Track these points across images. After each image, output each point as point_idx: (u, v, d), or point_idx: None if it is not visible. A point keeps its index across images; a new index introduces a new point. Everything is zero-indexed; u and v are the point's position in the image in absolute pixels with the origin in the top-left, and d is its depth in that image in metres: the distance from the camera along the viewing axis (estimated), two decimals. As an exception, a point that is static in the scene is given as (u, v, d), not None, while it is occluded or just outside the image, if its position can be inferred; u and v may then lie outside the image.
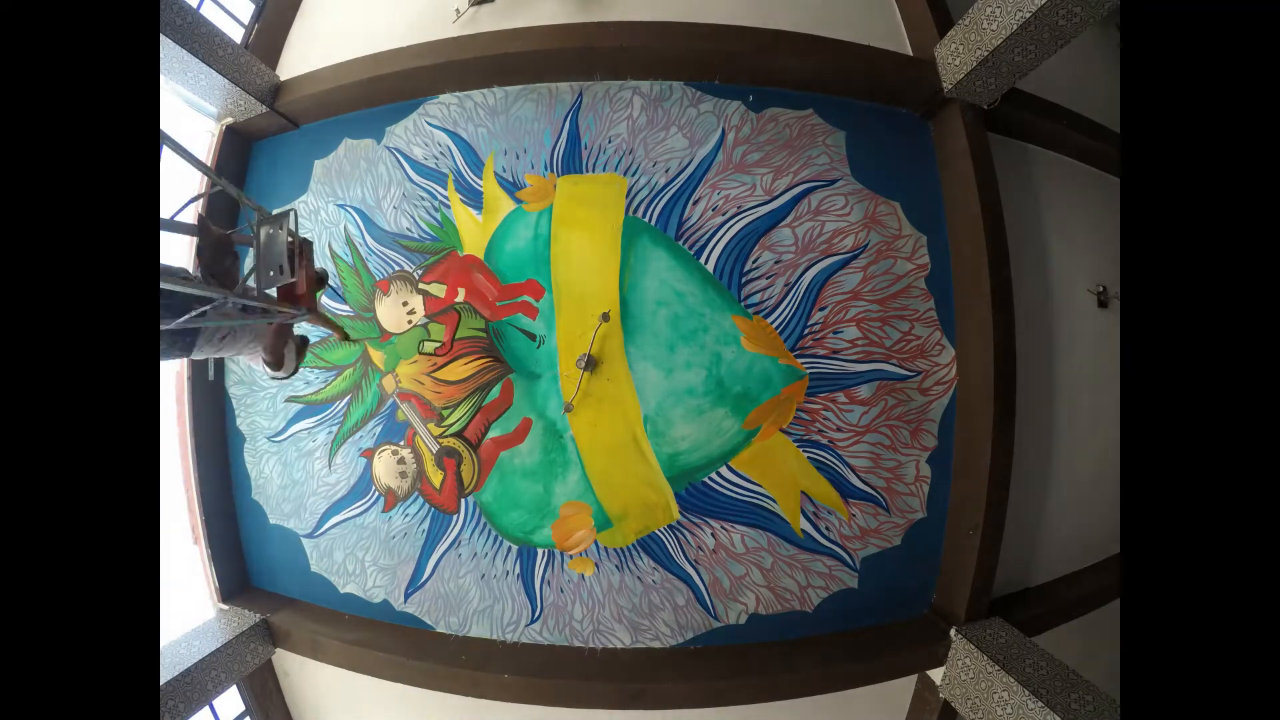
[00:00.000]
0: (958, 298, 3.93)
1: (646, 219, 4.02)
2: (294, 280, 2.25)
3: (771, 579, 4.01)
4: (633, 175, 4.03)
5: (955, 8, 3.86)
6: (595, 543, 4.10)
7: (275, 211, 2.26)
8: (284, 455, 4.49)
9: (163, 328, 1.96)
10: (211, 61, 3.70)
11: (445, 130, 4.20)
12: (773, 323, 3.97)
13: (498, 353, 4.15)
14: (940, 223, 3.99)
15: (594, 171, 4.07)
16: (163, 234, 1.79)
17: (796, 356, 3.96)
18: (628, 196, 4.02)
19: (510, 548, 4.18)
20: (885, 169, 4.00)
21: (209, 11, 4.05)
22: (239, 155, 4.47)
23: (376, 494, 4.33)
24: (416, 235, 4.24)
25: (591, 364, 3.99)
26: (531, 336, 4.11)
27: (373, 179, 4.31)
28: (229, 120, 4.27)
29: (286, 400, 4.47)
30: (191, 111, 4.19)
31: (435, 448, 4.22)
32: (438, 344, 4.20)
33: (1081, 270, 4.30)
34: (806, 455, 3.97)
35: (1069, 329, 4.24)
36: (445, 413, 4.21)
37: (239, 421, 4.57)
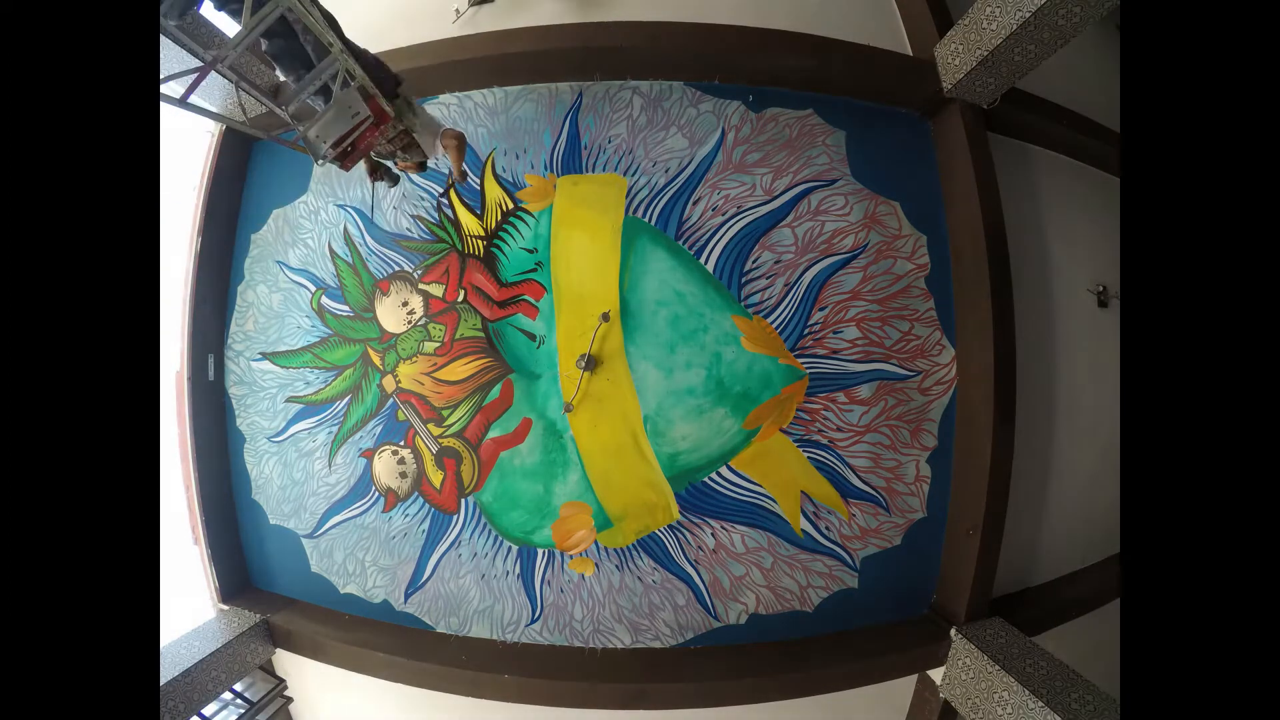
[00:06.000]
0: (958, 298, 3.93)
1: (646, 219, 4.02)
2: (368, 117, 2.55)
3: (771, 579, 4.01)
4: (633, 175, 4.03)
5: (955, 8, 3.86)
6: (595, 543, 4.10)
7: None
8: (284, 455, 4.49)
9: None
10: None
11: (445, 130, 4.19)
12: (773, 323, 3.96)
13: (498, 353, 4.15)
14: (940, 223, 3.98)
15: (594, 171, 4.07)
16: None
17: (796, 356, 3.96)
18: (627, 196, 4.02)
19: (510, 548, 4.17)
20: (885, 169, 4.00)
21: (208, 12, 4.04)
22: (239, 155, 4.47)
23: (376, 494, 4.33)
24: (416, 235, 4.24)
25: (591, 364, 3.98)
26: (531, 336, 4.10)
27: (373, 179, 4.31)
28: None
29: (286, 400, 4.47)
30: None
31: (435, 448, 4.22)
32: (438, 344, 4.21)
33: (1081, 270, 4.30)
34: (806, 455, 3.96)
35: (1069, 329, 4.24)
36: (445, 413, 4.21)
37: (239, 421, 4.57)
